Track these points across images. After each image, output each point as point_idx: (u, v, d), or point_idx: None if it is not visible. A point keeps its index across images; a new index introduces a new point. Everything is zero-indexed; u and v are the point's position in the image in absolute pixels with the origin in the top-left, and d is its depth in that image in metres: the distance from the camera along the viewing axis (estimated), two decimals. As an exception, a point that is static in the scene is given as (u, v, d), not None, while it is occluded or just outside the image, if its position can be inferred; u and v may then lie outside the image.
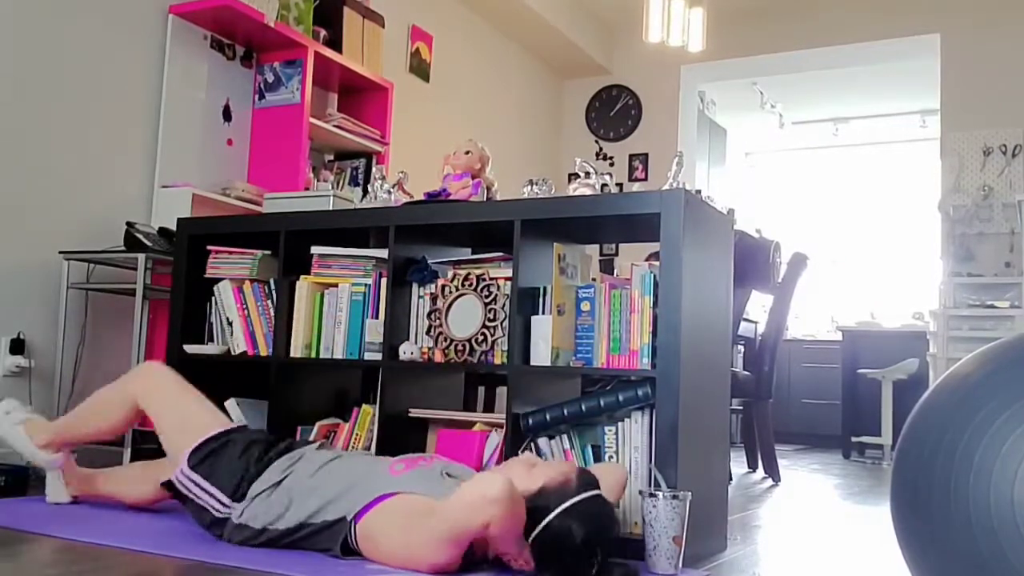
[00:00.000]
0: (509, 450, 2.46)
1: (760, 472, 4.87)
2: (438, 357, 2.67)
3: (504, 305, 2.58)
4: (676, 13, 4.93)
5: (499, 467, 2.17)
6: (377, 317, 2.81)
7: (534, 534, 1.92)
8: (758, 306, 6.14)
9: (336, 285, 2.90)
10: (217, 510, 2.24)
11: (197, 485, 2.27)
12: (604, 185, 2.66)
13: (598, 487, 2.03)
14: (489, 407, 4.04)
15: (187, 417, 2.44)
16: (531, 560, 1.95)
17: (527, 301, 2.56)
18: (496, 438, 2.57)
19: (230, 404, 2.94)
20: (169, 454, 2.44)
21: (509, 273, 2.57)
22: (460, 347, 2.63)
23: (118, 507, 2.64)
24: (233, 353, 3.02)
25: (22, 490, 2.87)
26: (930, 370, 5.76)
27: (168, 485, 2.35)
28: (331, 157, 4.80)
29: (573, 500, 1.93)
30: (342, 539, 2.08)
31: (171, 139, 3.96)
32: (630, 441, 2.39)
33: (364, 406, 2.83)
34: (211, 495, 2.25)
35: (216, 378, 3.03)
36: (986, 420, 1.54)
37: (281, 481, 2.21)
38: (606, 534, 1.98)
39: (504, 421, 2.50)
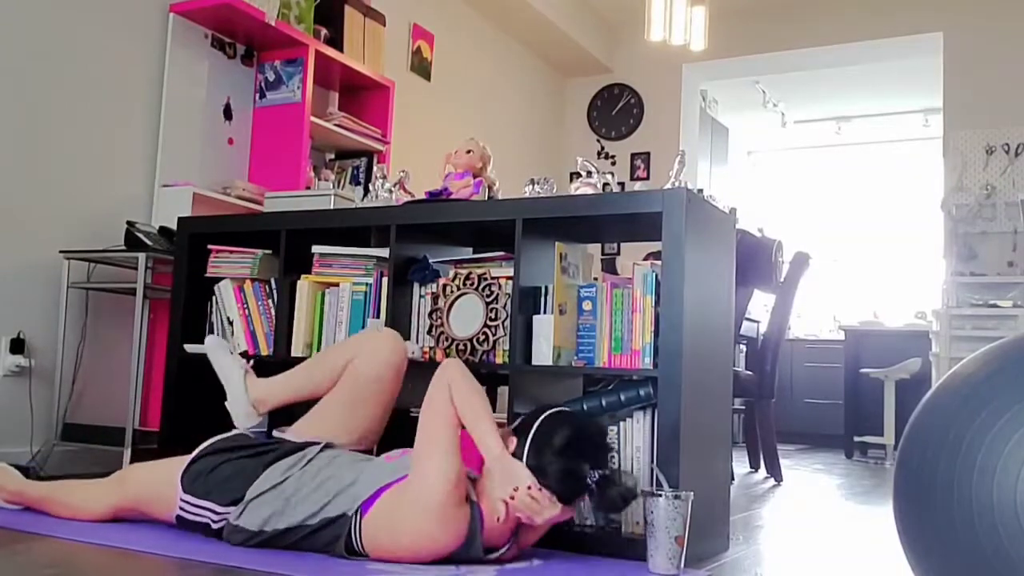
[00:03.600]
0: (510, 450, 2.46)
1: (762, 472, 4.86)
2: (439, 357, 2.67)
3: (506, 304, 2.57)
4: (678, 12, 4.92)
5: None
6: (378, 316, 2.80)
7: (528, 447, 2.06)
8: (760, 305, 6.13)
9: (337, 284, 2.89)
10: (213, 520, 2.22)
11: (192, 506, 2.24)
12: (606, 184, 2.65)
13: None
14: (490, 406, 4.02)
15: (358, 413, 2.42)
16: (533, 499, 2.02)
17: (529, 300, 2.55)
18: (497, 438, 2.56)
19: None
20: (312, 421, 2.40)
21: (510, 272, 2.57)
22: (461, 346, 2.62)
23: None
24: (234, 353, 3.00)
25: (22, 490, 2.86)
26: (933, 370, 5.75)
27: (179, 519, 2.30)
28: (332, 156, 4.80)
29: (552, 410, 2.14)
30: (345, 536, 2.07)
31: (172, 138, 3.96)
32: (632, 441, 2.38)
33: (365, 406, 2.82)
34: (206, 509, 2.23)
35: (217, 378, 3.03)
36: (989, 419, 1.53)
37: (282, 482, 2.20)
38: (588, 429, 2.12)
39: (505, 421, 2.49)
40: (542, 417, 2.12)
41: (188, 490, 2.25)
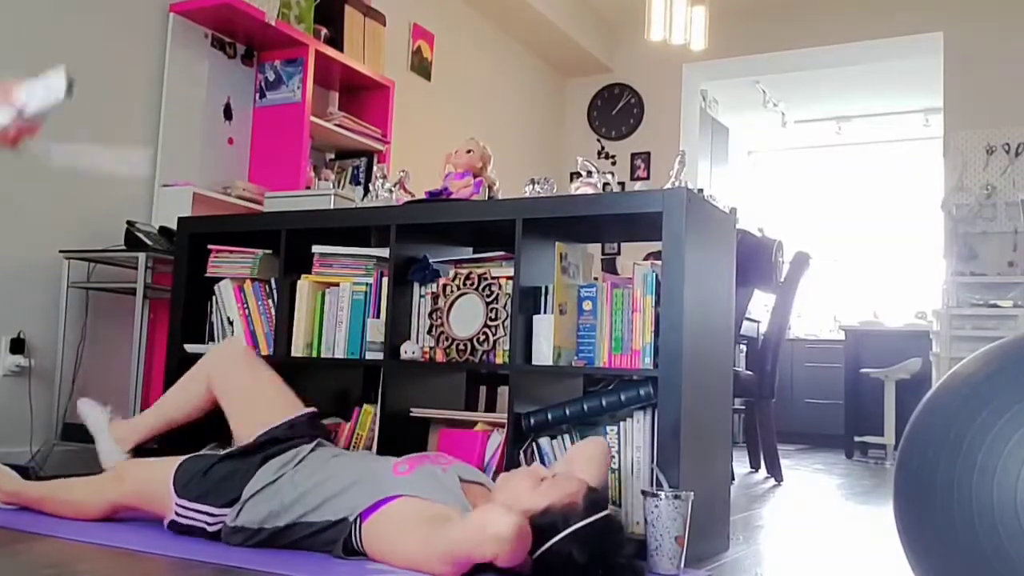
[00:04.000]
0: (510, 450, 2.46)
1: (762, 472, 4.86)
2: (439, 357, 2.66)
3: (506, 304, 2.57)
4: (678, 11, 4.92)
5: (506, 475, 2.13)
6: (378, 316, 2.80)
7: (536, 554, 1.90)
8: (760, 305, 6.12)
9: (337, 284, 2.89)
10: (208, 524, 2.22)
11: (187, 510, 2.24)
12: (606, 184, 2.65)
13: (605, 506, 2.00)
14: (491, 407, 4.03)
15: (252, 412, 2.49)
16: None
17: (529, 300, 2.55)
18: (498, 438, 2.57)
19: (231, 404, 2.93)
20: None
21: (511, 272, 2.57)
22: (462, 346, 2.62)
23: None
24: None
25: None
26: (933, 369, 5.75)
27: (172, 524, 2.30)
28: (332, 156, 4.80)
29: (577, 525, 1.91)
30: (344, 539, 2.07)
31: (172, 138, 3.95)
32: (632, 441, 2.38)
33: (365, 406, 2.82)
34: (201, 512, 2.23)
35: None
36: (989, 419, 1.53)
37: (276, 480, 2.20)
38: (610, 558, 1.94)
39: (506, 421, 2.50)
40: (553, 542, 1.91)
41: (182, 494, 2.25)
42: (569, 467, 2.14)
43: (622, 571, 1.95)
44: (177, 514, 2.25)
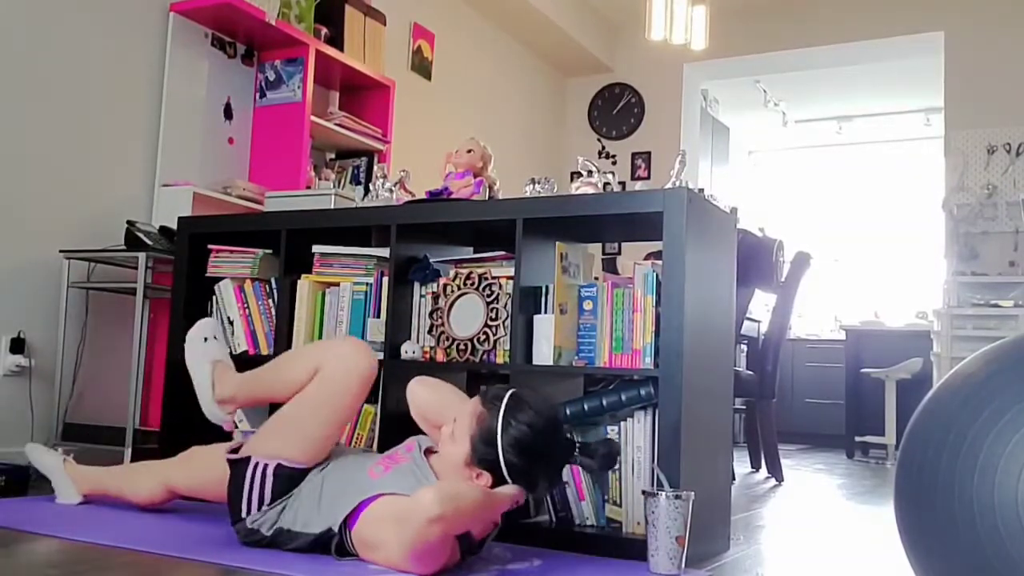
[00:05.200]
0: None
1: (763, 472, 4.86)
2: (440, 356, 2.66)
3: (506, 304, 2.57)
4: (679, 11, 4.92)
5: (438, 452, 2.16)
6: (379, 316, 2.80)
7: (512, 477, 2.02)
8: (761, 305, 6.13)
9: (337, 284, 2.89)
10: (248, 511, 2.19)
11: (263, 484, 2.18)
12: (607, 184, 2.65)
13: (502, 394, 2.08)
14: (491, 406, 4.02)
15: (323, 428, 2.23)
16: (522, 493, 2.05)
17: (529, 300, 2.54)
18: (498, 438, 2.56)
19: (231, 404, 2.93)
20: (272, 431, 2.25)
21: (511, 272, 2.57)
22: (462, 346, 2.62)
23: (120, 507, 2.63)
24: (234, 352, 3.00)
25: (22, 490, 2.87)
26: (934, 369, 5.74)
27: (236, 453, 2.25)
28: (332, 156, 4.80)
29: (499, 422, 2.02)
30: (336, 544, 2.06)
31: (172, 138, 3.95)
32: (633, 441, 2.38)
33: (365, 406, 2.81)
34: (258, 499, 2.18)
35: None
36: (990, 419, 1.53)
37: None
38: (545, 410, 2.09)
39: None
40: (500, 454, 2.01)
41: (276, 474, 2.18)
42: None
43: (601, 449, 2.14)
44: (258, 465, 2.18)
